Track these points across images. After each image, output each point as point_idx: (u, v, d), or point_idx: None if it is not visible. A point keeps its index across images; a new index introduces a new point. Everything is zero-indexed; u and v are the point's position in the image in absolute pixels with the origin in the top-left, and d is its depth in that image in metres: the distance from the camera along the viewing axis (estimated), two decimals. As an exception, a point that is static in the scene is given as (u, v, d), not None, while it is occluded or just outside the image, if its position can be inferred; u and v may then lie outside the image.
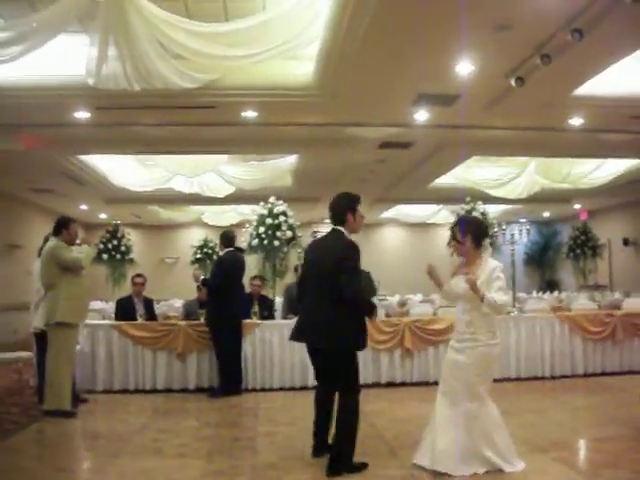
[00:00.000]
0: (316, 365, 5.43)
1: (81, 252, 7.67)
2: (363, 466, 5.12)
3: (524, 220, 20.86)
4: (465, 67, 8.10)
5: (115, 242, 18.47)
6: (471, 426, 5.04)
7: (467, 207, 15.22)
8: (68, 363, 7.45)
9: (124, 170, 13.86)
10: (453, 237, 5.42)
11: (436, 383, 5.56)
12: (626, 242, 19.42)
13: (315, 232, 13.17)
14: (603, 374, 9.77)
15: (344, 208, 5.29)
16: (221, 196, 14.95)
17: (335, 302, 4.97)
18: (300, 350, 9.31)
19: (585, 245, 19.30)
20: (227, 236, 9.33)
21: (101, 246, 18.32)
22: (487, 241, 5.51)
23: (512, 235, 10.66)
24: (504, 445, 5.14)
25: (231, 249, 9.17)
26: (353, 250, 5.10)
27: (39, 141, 10.52)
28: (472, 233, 5.33)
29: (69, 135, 10.68)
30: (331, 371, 5.20)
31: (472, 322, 5.16)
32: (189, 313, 10.04)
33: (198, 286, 9.65)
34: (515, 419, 7.07)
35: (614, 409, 7.45)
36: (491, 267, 5.22)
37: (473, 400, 5.11)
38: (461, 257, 5.44)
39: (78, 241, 7.89)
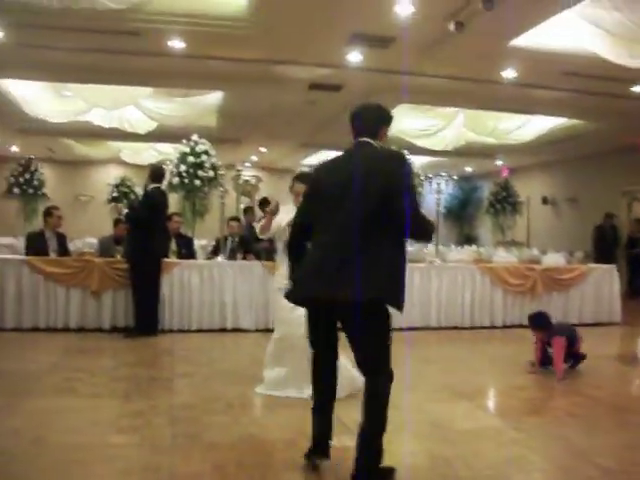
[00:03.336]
0: (328, 329, 3.82)
1: None
2: (390, 472, 3.73)
3: (445, 174, 21.10)
4: (404, 7, 7.84)
5: (27, 176, 17.85)
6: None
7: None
8: None
9: (38, 98, 13.09)
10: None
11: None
12: (545, 201, 19.77)
13: (239, 171, 12.80)
14: (521, 326, 9.91)
15: (380, 120, 3.92)
16: (142, 132, 14.34)
17: (382, 239, 3.52)
18: (219, 291, 9.14)
19: (505, 201, 19.57)
20: (157, 171, 9.05)
21: (12, 180, 17.70)
22: None
23: (438, 185, 10.59)
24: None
25: (158, 185, 8.83)
26: (409, 165, 3.75)
27: None
28: None
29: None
30: (363, 336, 3.58)
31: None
32: (104, 250, 9.64)
33: (116, 220, 9.26)
34: (436, 366, 7.16)
35: (531, 358, 7.53)
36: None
37: None
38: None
39: None
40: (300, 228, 3.93)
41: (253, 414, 4.94)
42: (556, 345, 6.56)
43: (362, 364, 3.66)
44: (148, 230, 8.47)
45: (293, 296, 3.75)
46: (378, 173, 3.57)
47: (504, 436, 4.63)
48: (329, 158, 3.97)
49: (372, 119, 3.88)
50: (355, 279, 3.41)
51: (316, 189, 3.84)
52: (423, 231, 3.73)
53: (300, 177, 5.64)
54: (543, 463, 4.11)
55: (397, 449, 4.21)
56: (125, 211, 8.93)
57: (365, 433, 3.57)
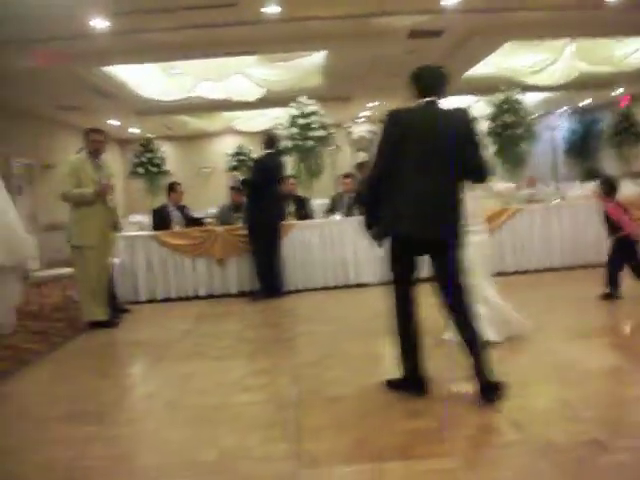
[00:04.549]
0: (413, 264, 4.25)
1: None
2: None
3: (562, 109, 20.28)
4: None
5: (149, 155, 18.55)
6: None
7: (503, 96, 14.75)
8: (84, 281, 7.40)
9: (150, 80, 13.59)
10: None
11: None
12: (671, 126, 18.71)
13: (349, 127, 12.86)
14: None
15: (445, 81, 4.29)
16: (250, 100, 14.61)
17: (456, 184, 4.13)
18: (339, 248, 9.28)
19: (628, 131, 18.66)
20: (269, 138, 9.20)
21: (135, 160, 18.47)
22: None
23: (555, 121, 10.22)
24: None
25: (271, 151, 9.03)
26: (474, 117, 4.20)
27: (55, 56, 10.24)
28: None
29: (87, 46, 10.36)
30: (450, 263, 4.15)
31: None
32: (224, 218, 9.96)
33: (232, 187, 9.56)
34: (563, 307, 7.03)
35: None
36: None
37: None
38: None
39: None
40: (385, 171, 4.16)
41: (374, 368, 5.05)
42: (613, 212, 7.11)
43: (448, 285, 4.15)
44: (262, 195, 8.69)
45: (393, 232, 4.17)
46: (455, 125, 4.11)
47: (629, 376, 4.52)
48: (401, 108, 4.29)
49: (438, 80, 4.26)
50: (448, 221, 4.09)
51: (403, 135, 4.09)
52: (486, 172, 4.21)
53: None
54: (669, 401, 4.00)
55: (519, 392, 4.19)
56: (239, 178, 9.18)
57: (470, 342, 4.06)
